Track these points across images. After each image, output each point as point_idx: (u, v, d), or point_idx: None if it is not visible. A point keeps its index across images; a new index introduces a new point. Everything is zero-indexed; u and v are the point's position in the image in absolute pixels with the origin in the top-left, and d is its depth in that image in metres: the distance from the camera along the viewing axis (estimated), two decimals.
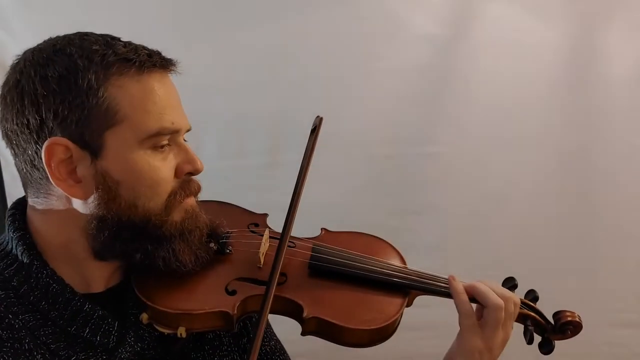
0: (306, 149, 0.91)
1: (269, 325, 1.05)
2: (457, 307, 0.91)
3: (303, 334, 0.88)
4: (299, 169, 0.90)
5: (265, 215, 1.04)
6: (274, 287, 0.80)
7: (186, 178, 0.85)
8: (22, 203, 0.86)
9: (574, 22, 1.65)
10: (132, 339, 0.82)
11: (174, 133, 0.82)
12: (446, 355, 0.96)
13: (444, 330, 1.00)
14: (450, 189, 1.72)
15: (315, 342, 0.90)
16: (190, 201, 0.86)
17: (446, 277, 0.95)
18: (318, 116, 0.94)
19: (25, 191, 0.84)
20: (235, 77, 1.54)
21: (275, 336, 1.06)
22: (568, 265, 1.72)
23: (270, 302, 0.79)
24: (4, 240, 0.85)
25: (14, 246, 0.81)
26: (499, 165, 1.71)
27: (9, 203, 1.31)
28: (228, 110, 1.60)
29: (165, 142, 0.81)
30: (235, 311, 0.84)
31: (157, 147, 0.80)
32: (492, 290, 0.91)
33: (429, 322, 1.53)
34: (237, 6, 1.58)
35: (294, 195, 0.88)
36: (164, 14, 1.53)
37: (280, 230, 0.89)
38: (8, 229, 0.83)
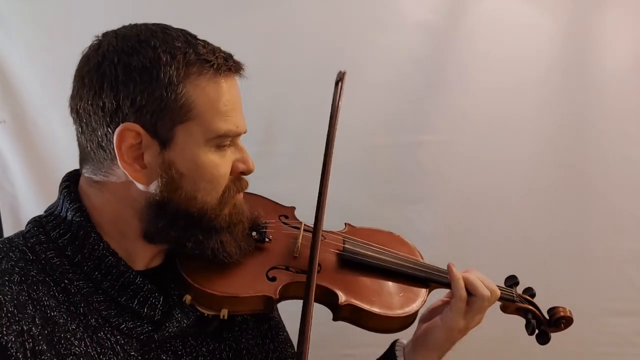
0: (332, 101, 0.98)
1: (280, 318, 1.12)
2: (453, 290, 1.00)
3: (335, 319, 0.96)
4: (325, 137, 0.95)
5: (293, 208, 1.10)
6: (315, 275, 0.84)
7: (238, 176, 0.91)
8: (74, 176, 0.90)
9: (568, 8, 1.65)
10: (179, 315, 0.87)
11: (237, 136, 0.88)
12: (423, 330, 1.04)
13: None
14: (444, 177, 1.72)
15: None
16: (239, 197, 0.92)
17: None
18: (341, 71, 0.99)
19: (82, 166, 0.87)
20: None
21: (285, 329, 1.11)
22: (562, 254, 1.73)
23: (314, 289, 0.83)
24: (55, 209, 0.88)
25: (69, 216, 0.85)
26: (494, 153, 1.71)
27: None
28: None
29: (228, 142, 0.87)
30: (277, 296, 0.90)
31: (220, 146, 0.85)
32: (482, 282, 1.00)
33: None
34: None
35: (324, 170, 0.93)
36: (158, 0, 1.54)
37: (306, 221, 0.98)
38: (63, 200, 0.87)
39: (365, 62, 1.65)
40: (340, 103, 0.96)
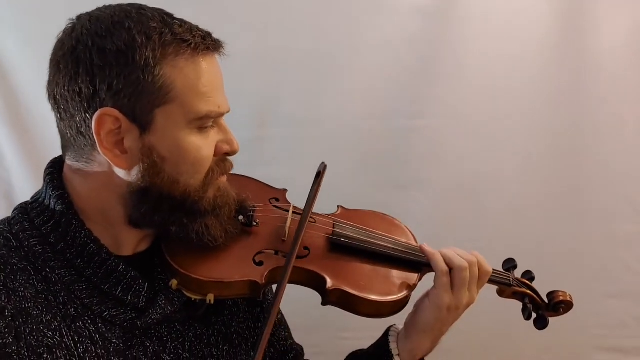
0: (309, 194, 0.95)
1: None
2: (433, 266, 0.98)
3: (324, 304, 0.95)
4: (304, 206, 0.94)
5: (285, 190, 1.08)
6: (294, 260, 0.85)
7: (222, 157, 0.89)
8: (58, 162, 0.89)
9: None
10: (163, 301, 0.86)
11: (219, 116, 0.87)
12: (413, 312, 1.03)
13: None
14: (438, 162, 1.72)
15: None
16: (223, 179, 0.91)
17: None
18: (323, 163, 0.98)
19: (64, 153, 0.86)
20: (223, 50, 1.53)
21: (281, 311, 1.11)
22: (557, 238, 1.74)
23: (290, 273, 0.84)
24: (40, 196, 0.87)
25: (52, 203, 0.84)
26: (488, 138, 1.71)
27: None
28: None
29: (210, 123, 0.85)
30: (264, 280, 0.89)
31: (202, 128, 0.84)
32: (457, 254, 0.99)
33: None
34: None
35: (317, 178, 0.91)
36: None
37: (298, 204, 0.96)
38: (47, 187, 0.86)
39: (359, 47, 1.64)
40: (316, 197, 0.94)
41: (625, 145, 1.70)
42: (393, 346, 1.02)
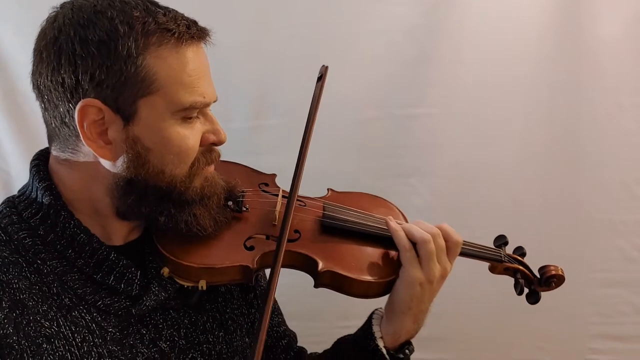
0: (313, 97, 0.95)
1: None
2: (396, 243, 0.96)
3: (316, 286, 0.94)
4: (305, 121, 0.94)
5: (274, 175, 1.08)
6: (285, 242, 0.84)
7: (208, 147, 0.88)
8: (44, 154, 0.89)
9: None
10: (157, 288, 0.87)
11: (205, 106, 0.85)
12: (389, 295, 1.00)
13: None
14: (436, 151, 1.72)
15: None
16: (211, 169, 0.90)
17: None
18: (324, 65, 0.97)
19: (50, 144, 0.86)
20: (219, 40, 1.52)
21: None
22: (555, 226, 1.74)
23: (282, 256, 0.83)
24: (27, 188, 0.87)
25: (39, 195, 0.84)
26: (487, 126, 1.70)
27: None
28: (212, 73, 1.58)
29: (195, 114, 0.84)
30: (255, 265, 0.89)
31: (187, 118, 0.83)
32: (418, 227, 0.96)
33: None
34: None
35: (302, 147, 0.92)
36: None
37: (288, 189, 0.94)
38: (33, 179, 0.86)
39: (357, 34, 1.64)
40: (320, 100, 0.94)
41: (624, 134, 1.70)
42: (376, 329, 0.99)
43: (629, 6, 1.63)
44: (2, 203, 0.88)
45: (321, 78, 0.97)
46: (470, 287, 1.60)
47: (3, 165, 1.68)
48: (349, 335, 1.08)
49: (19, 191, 0.89)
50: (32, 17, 1.57)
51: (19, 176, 1.65)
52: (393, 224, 0.98)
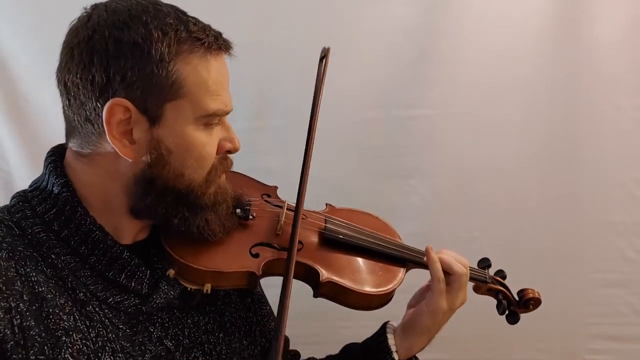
0: (317, 77, 0.99)
1: (263, 293, 1.14)
2: (431, 273, 1.03)
3: (315, 296, 0.99)
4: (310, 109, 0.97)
5: (275, 187, 1.12)
6: (295, 252, 0.86)
7: (224, 155, 0.92)
8: (60, 150, 0.90)
9: None
10: (166, 287, 0.89)
11: (225, 115, 0.89)
12: (410, 315, 1.08)
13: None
14: (436, 152, 1.72)
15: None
16: (224, 177, 0.93)
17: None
18: (324, 47, 1.01)
19: (68, 139, 0.87)
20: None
21: (268, 303, 1.14)
22: (554, 227, 1.74)
23: (295, 265, 0.85)
24: (41, 183, 0.88)
25: (55, 191, 0.85)
26: (486, 127, 1.70)
27: None
28: None
29: (216, 121, 0.88)
30: (260, 272, 0.92)
31: (208, 125, 0.86)
32: (456, 260, 1.04)
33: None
34: None
35: (306, 148, 0.95)
36: None
37: (287, 197, 1.00)
38: (49, 174, 0.87)
39: (356, 35, 1.64)
40: (324, 80, 0.97)
41: (623, 135, 1.70)
42: (391, 342, 1.05)
43: (627, 8, 1.63)
44: (13, 197, 0.89)
45: (324, 58, 1.00)
46: (470, 287, 1.60)
47: (3, 165, 1.68)
48: (355, 344, 1.14)
49: (30, 185, 0.90)
50: (33, 18, 1.60)
51: (19, 176, 1.66)
52: (433, 253, 1.03)
